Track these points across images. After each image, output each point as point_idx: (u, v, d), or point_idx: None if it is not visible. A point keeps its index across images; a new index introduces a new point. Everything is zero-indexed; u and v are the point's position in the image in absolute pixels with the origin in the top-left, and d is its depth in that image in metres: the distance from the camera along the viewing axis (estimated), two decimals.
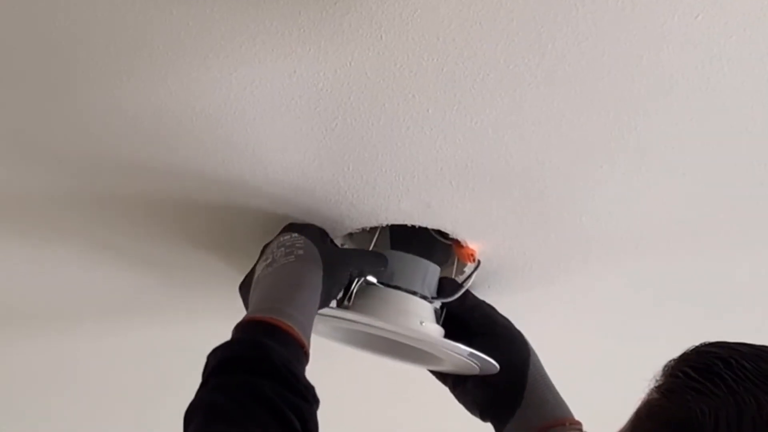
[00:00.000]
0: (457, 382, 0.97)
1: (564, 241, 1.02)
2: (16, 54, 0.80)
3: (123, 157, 0.92)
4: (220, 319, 1.26)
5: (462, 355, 0.91)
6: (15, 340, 1.32)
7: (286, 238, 0.91)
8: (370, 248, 1.00)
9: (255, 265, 0.92)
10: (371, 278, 0.95)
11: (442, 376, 0.99)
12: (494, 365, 0.92)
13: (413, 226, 0.99)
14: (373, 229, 1.01)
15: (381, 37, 0.75)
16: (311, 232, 0.92)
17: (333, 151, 0.89)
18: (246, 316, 0.84)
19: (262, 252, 0.93)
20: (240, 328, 0.82)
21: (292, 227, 0.93)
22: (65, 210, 1.01)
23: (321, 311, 0.89)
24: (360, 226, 1.01)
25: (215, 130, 0.86)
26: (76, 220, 1.03)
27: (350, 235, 1.03)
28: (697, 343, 0.65)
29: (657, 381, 0.64)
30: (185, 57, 0.78)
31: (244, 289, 0.91)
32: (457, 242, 1.01)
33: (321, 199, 0.97)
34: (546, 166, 0.90)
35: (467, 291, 1.00)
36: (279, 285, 0.86)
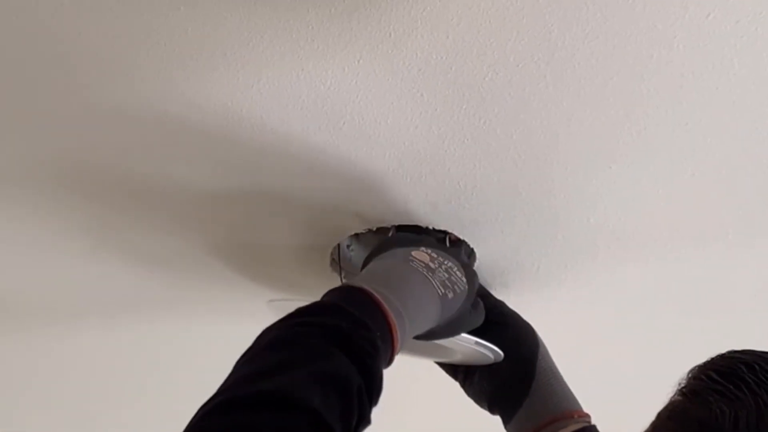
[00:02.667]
0: (466, 375, 0.96)
1: (572, 241, 1.02)
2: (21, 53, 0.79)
3: (124, 153, 0.92)
4: (215, 317, 1.26)
5: (468, 344, 0.90)
6: (9, 334, 1.31)
7: (452, 269, 0.87)
8: None
9: (390, 249, 0.88)
10: None
11: (452, 370, 0.98)
12: (499, 353, 0.91)
13: (419, 226, 0.99)
14: (380, 230, 1.00)
15: (390, 34, 0.74)
16: (474, 284, 0.89)
17: (340, 149, 0.88)
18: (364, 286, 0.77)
19: (405, 246, 0.88)
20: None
21: (466, 267, 0.89)
22: (65, 204, 1.00)
23: None
24: (366, 228, 1.01)
25: (222, 129, 0.86)
26: (78, 214, 1.02)
27: (356, 236, 1.03)
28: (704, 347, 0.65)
29: (680, 384, 0.64)
30: (191, 54, 0.77)
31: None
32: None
33: (325, 200, 0.96)
34: (554, 166, 0.89)
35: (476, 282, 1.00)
36: (419, 298, 0.81)
